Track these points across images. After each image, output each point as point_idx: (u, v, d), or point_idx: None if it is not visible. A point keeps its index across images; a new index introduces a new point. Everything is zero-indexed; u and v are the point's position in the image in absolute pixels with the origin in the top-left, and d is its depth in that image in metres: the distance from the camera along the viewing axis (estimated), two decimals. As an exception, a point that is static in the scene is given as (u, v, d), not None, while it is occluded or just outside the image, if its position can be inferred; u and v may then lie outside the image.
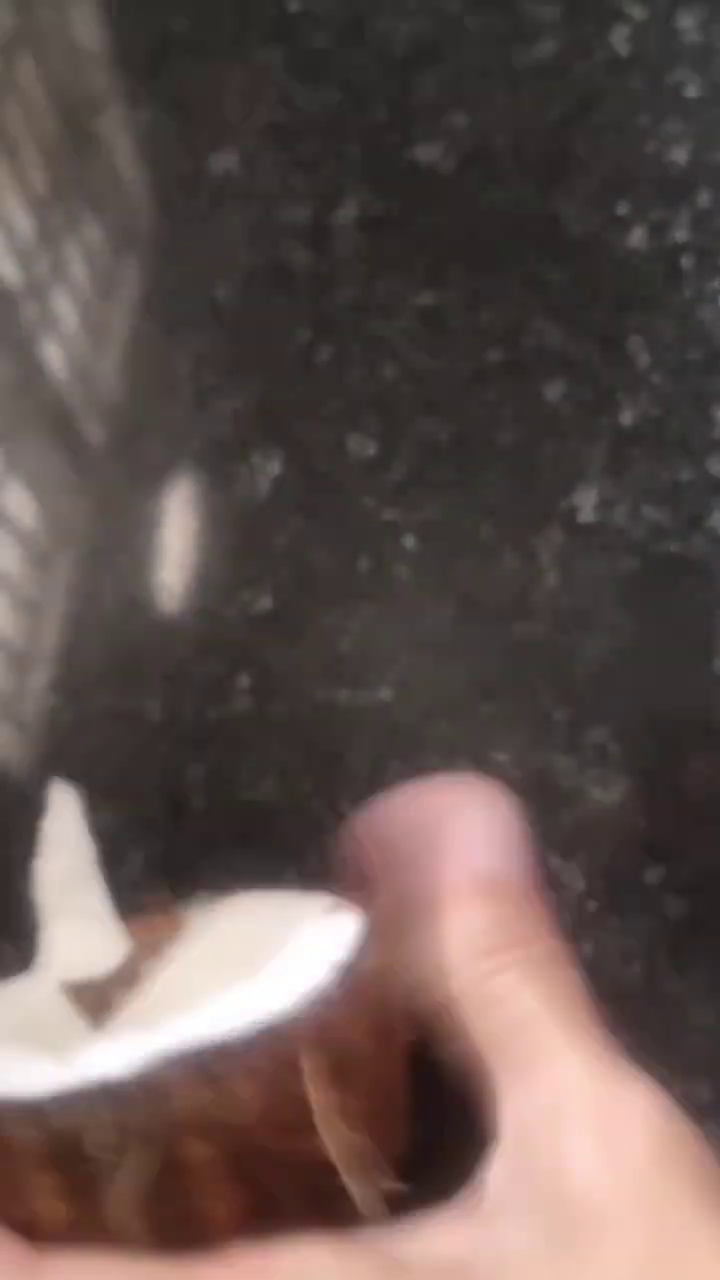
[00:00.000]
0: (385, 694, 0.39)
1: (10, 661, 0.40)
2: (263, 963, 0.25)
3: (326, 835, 0.39)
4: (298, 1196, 0.21)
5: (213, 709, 0.40)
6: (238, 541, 0.41)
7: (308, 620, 0.40)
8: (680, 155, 0.43)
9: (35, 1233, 0.21)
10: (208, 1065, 0.21)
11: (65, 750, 0.39)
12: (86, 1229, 0.21)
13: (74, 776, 0.39)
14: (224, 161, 0.44)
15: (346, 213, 0.43)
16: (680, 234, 0.42)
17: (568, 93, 0.43)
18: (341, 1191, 0.21)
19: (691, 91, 0.43)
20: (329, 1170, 0.21)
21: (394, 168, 0.43)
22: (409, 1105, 0.23)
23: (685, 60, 0.44)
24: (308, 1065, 0.21)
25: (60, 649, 0.40)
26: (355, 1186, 0.21)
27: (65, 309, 0.43)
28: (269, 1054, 0.21)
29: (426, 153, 0.43)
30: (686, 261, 0.42)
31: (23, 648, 0.40)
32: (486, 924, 0.23)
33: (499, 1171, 0.21)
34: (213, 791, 0.39)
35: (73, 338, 0.43)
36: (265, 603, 0.40)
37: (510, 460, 0.41)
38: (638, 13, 0.44)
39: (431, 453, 0.41)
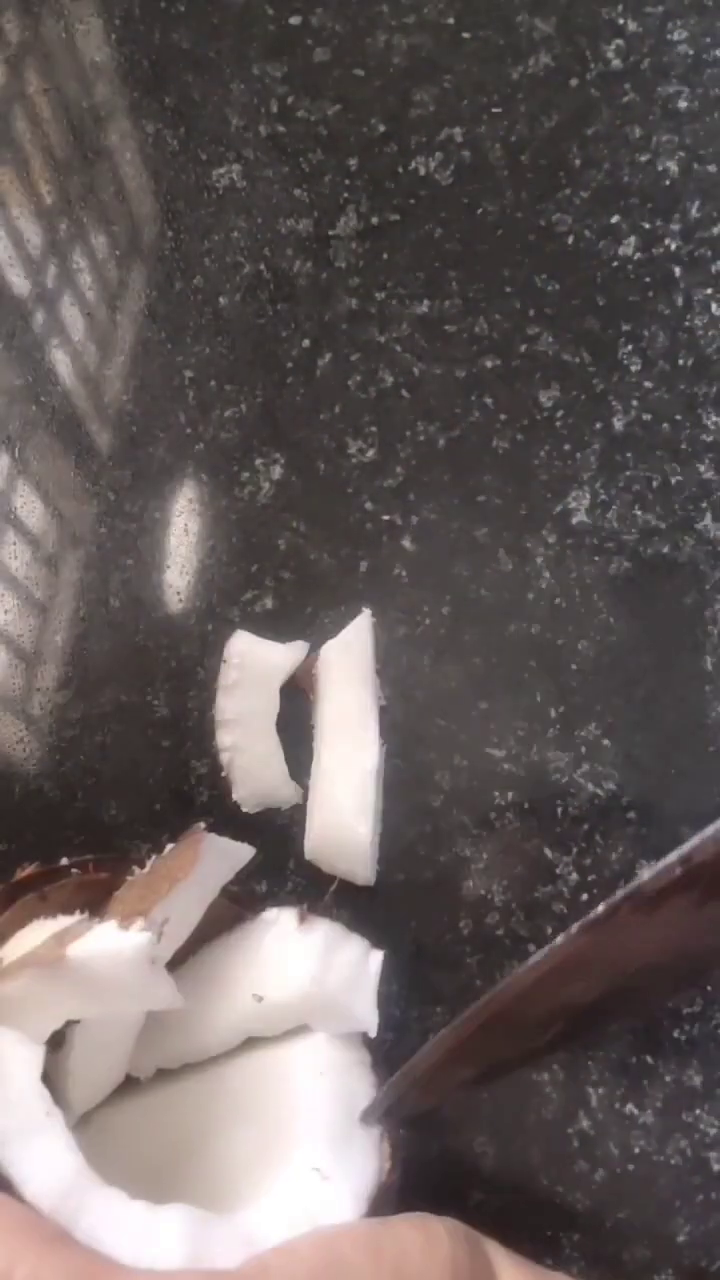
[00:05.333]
0: (384, 692, 0.40)
1: (19, 660, 0.41)
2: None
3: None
4: None
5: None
6: (241, 543, 0.41)
7: (309, 620, 0.40)
8: (671, 166, 0.43)
9: None
10: None
11: (73, 746, 0.40)
12: None
13: (82, 772, 0.39)
14: (226, 173, 0.44)
15: (346, 224, 0.43)
16: (671, 243, 0.42)
17: (562, 105, 0.44)
18: None
19: (683, 103, 0.43)
20: None
21: (392, 179, 0.44)
22: None
23: (677, 73, 0.44)
24: None
25: (68, 648, 0.41)
26: None
27: (73, 317, 0.44)
28: None
29: (424, 164, 0.44)
30: (677, 270, 0.42)
31: (31, 646, 0.41)
32: None
33: None
34: (216, 786, 0.39)
35: (80, 345, 0.43)
36: (267, 602, 0.41)
37: (505, 464, 0.41)
38: (630, 26, 0.44)
39: (429, 457, 0.41)
